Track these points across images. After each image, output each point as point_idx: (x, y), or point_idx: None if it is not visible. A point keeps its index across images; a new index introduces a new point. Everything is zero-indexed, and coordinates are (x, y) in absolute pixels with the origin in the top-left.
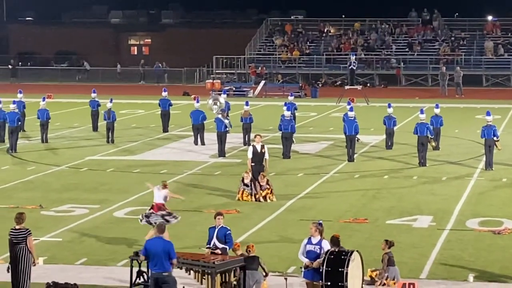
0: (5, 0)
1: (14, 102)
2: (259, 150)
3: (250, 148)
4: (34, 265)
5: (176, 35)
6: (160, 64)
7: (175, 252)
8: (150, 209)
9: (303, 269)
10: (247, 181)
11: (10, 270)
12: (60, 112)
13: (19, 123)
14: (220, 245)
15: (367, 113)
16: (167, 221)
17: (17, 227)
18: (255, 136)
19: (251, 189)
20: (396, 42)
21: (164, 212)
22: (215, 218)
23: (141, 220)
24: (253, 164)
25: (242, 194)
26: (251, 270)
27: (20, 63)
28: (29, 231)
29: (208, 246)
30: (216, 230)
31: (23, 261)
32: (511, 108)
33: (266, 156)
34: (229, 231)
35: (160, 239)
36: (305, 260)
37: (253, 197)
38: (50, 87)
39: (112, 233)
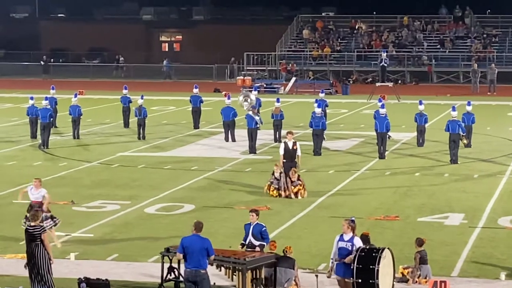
0: None
1: (46, 98)
2: (291, 147)
3: (282, 145)
4: (52, 262)
5: (207, 32)
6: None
7: (213, 248)
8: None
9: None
10: (277, 174)
11: (27, 267)
12: (92, 109)
13: (51, 119)
14: (256, 242)
15: (398, 110)
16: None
17: (32, 224)
18: (287, 133)
19: (278, 183)
20: (428, 39)
21: (44, 215)
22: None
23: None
24: (284, 160)
25: (269, 187)
26: (284, 268)
27: (52, 60)
28: (44, 228)
29: (243, 242)
30: (251, 227)
31: (40, 258)
32: None
33: (299, 152)
34: (264, 228)
35: (197, 236)
36: (333, 267)
37: (282, 191)
38: (82, 84)
39: (143, 229)
